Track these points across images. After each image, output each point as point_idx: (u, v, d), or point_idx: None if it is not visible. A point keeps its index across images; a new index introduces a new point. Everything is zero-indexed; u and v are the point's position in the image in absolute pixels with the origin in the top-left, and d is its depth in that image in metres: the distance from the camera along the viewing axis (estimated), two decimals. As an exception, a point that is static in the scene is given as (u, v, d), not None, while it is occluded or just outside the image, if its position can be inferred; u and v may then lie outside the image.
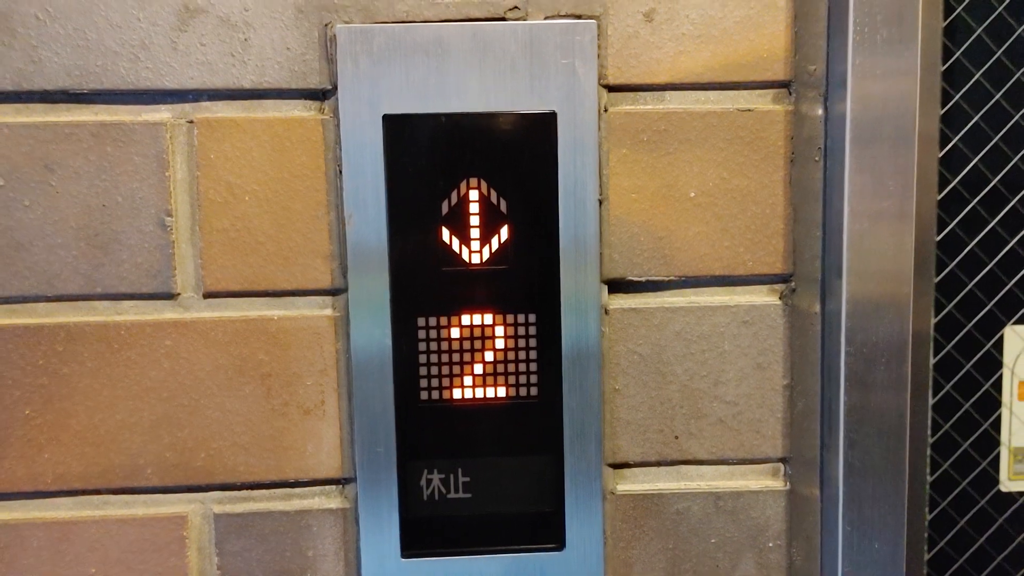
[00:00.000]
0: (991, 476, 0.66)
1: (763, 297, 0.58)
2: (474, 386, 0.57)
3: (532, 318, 0.56)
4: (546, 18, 0.55)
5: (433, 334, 0.56)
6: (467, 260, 0.56)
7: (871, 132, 0.53)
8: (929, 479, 0.64)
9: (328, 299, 0.57)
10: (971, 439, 0.65)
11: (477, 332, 0.56)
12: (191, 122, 0.55)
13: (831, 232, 0.55)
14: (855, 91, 0.53)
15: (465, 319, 0.56)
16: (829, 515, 0.56)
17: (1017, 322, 0.64)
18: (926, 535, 0.65)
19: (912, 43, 0.52)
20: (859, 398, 0.55)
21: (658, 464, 0.59)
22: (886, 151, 0.53)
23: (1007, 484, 0.66)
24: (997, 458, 0.66)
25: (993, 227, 0.63)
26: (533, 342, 0.56)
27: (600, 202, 0.56)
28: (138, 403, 0.56)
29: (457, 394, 0.57)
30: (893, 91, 0.53)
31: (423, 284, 0.56)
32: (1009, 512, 0.66)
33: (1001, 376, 0.65)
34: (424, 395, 0.56)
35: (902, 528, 0.55)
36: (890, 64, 0.53)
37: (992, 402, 0.65)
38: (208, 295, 0.56)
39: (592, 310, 0.56)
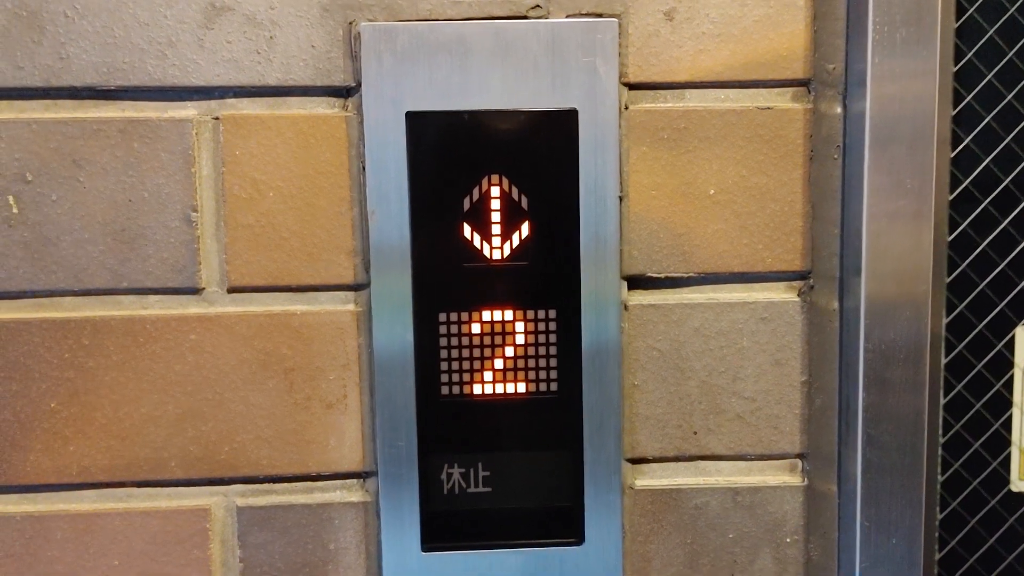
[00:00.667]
0: (1002, 476, 0.66)
1: (781, 294, 0.59)
2: (495, 381, 0.57)
3: (552, 314, 0.57)
4: (567, 17, 0.56)
5: (454, 329, 0.56)
6: (488, 256, 0.56)
7: (890, 131, 0.54)
8: (940, 479, 0.65)
9: (351, 294, 0.57)
10: (982, 439, 0.65)
11: (498, 328, 0.57)
12: (217, 119, 0.55)
13: (849, 230, 0.56)
14: (874, 90, 0.53)
15: (486, 315, 0.57)
16: (847, 511, 0.57)
17: (1029, 322, 0.65)
18: (937, 534, 0.65)
19: (931, 43, 0.53)
20: (877, 395, 0.55)
21: (676, 459, 0.59)
22: (905, 150, 0.54)
23: (1018, 484, 0.66)
24: (1008, 458, 0.66)
25: (1005, 227, 0.63)
26: (553, 338, 0.57)
27: (620, 199, 0.57)
28: (163, 396, 0.57)
29: (478, 389, 0.57)
30: (912, 90, 0.53)
31: (445, 280, 0.56)
32: (1020, 512, 0.66)
33: (1012, 376, 0.65)
34: (445, 390, 0.57)
35: (919, 524, 0.56)
36: (909, 63, 0.53)
37: (1003, 402, 0.65)
38: (232, 290, 0.57)
39: (612, 306, 0.57)
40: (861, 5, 0.53)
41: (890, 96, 0.53)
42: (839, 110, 0.56)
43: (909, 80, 0.53)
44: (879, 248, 0.54)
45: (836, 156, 0.56)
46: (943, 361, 0.64)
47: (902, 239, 0.54)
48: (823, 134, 0.57)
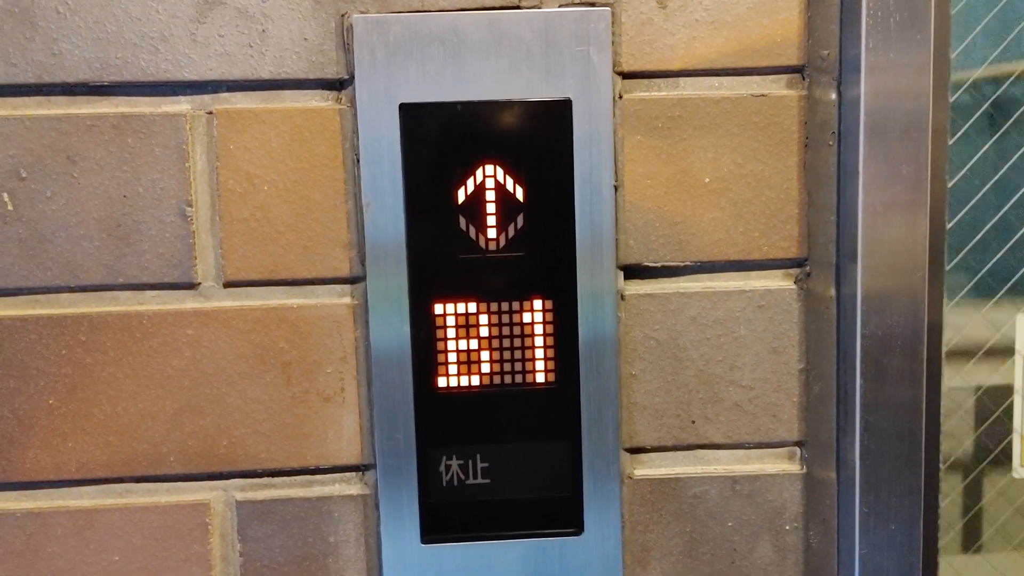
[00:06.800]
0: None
1: (778, 281, 0.58)
2: (491, 372, 0.57)
3: (549, 304, 0.57)
4: (560, 6, 0.56)
5: (451, 321, 0.56)
6: (484, 247, 0.56)
7: (884, 117, 0.53)
8: (942, 466, 0.65)
9: (347, 287, 0.57)
10: (984, 426, 0.65)
11: (494, 319, 0.57)
12: (211, 113, 0.55)
13: (845, 217, 0.55)
14: (868, 76, 0.53)
15: (482, 306, 0.57)
16: (846, 498, 0.57)
17: (1029, 308, 0.65)
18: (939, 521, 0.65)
19: (925, 27, 0.53)
20: (874, 382, 0.55)
21: (675, 448, 0.59)
22: (899, 137, 0.53)
23: (1019, 471, 0.66)
24: (1009, 445, 0.66)
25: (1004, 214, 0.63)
26: (550, 328, 0.57)
27: (615, 188, 0.57)
28: (160, 392, 0.57)
29: (475, 381, 0.57)
30: (906, 76, 0.53)
31: (440, 271, 0.56)
32: (1023, 499, 0.66)
33: (1013, 363, 0.65)
34: (442, 382, 0.57)
35: (919, 510, 0.56)
36: (903, 49, 0.53)
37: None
38: (228, 284, 0.57)
39: (608, 296, 0.57)
40: (855, -10, 0.53)
41: (884, 81, 0.53)
42: (834, 96, 0.55)
43: (903, 66, 0.53)
44: (875, 235, 0.54)
45: (831, 143, 0.56)
46: (944, 349, 0.64)
47: (898, 226, 0.54)
48: (818, 121, 0.56)
